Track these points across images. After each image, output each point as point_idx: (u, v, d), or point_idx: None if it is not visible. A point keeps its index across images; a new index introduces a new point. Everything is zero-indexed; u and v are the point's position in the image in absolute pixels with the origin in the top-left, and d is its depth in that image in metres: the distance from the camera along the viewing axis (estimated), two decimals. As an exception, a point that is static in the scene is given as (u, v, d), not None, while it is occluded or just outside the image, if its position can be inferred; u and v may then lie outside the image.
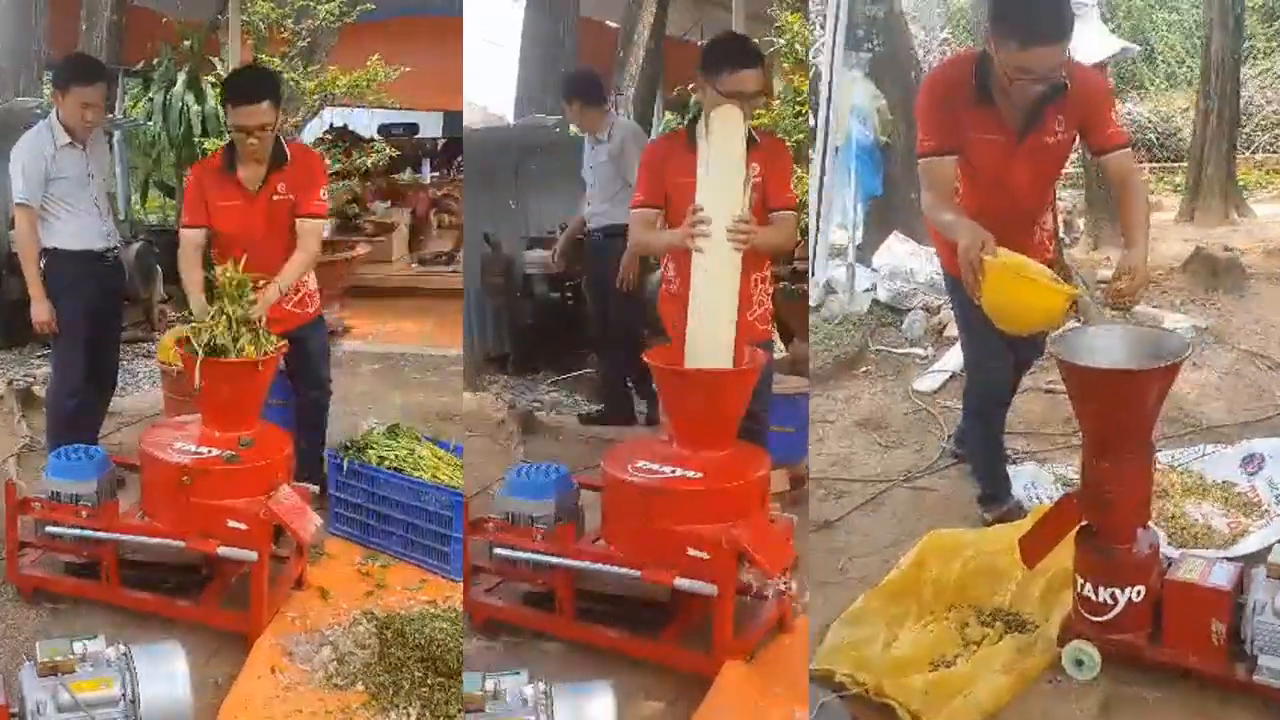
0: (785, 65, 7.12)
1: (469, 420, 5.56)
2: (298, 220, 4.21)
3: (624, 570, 3.44)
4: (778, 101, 6.88)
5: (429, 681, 3.35)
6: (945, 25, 11.52)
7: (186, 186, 4.22)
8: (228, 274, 3.84)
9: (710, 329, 3.50)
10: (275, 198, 4.17)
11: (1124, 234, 3.54)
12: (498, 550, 3.69)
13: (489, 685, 2.79)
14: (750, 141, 3.58)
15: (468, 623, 3.67)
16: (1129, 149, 3.49)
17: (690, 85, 7.85)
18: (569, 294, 6.48)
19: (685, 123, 8.66)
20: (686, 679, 3.35)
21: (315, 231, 4.27)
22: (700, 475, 3.40)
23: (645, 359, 3.57)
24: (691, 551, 3.30)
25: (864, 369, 5.62)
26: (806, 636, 3.49)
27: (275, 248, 4.18)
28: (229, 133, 4.16)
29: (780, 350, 5.78)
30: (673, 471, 3.42)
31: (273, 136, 4.12)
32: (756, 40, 6.21)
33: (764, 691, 3.27)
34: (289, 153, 4.21)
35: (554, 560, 3.57)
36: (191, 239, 4.18)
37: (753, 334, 3.70)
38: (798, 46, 6.77)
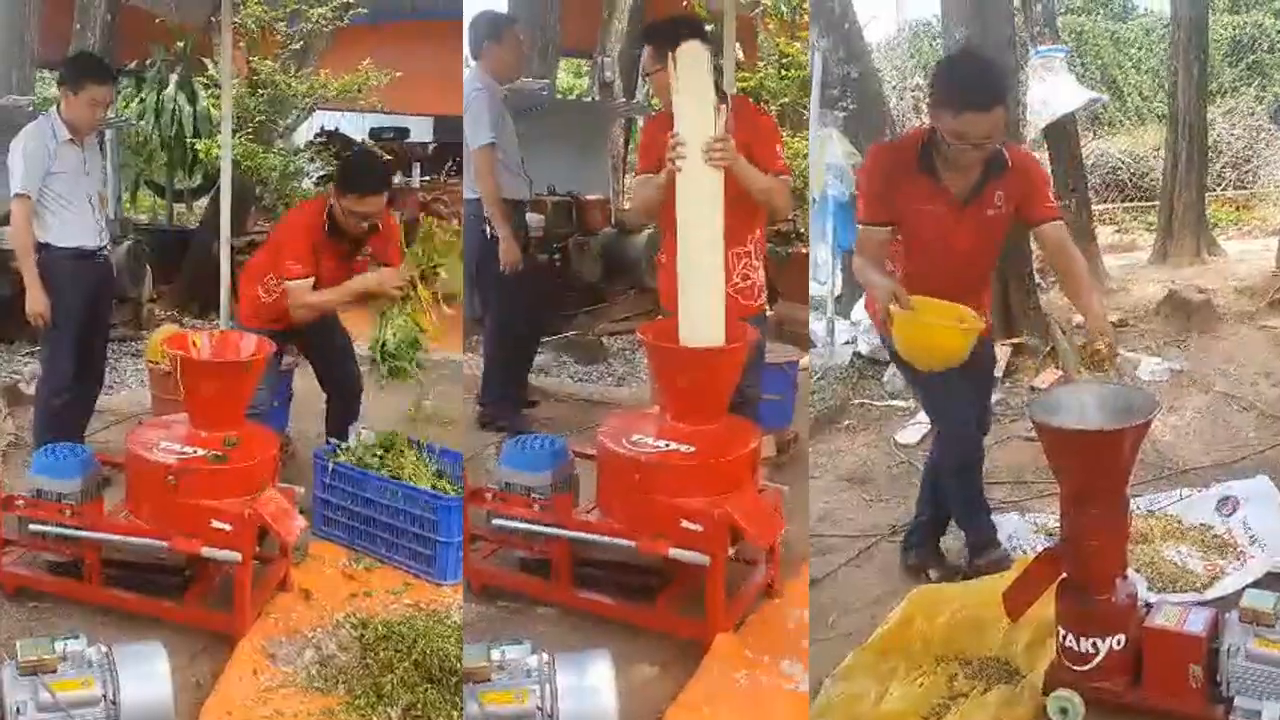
0: (771, 25, 7.12)
1: (465, 383, 5.57)
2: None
3: (619, 541, 3.55)
4: (762, 63, 6.88)
5: (411, 685, 3.34)
6: (916, 72, 11.60)
7: (297, 240, 4.40)
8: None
9: (700, 305, 3.58)
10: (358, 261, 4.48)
11: (1074, 302, 3.76)
12: (496, 520, 3.79)
13: (494, 656, 2.87)
14: (720, 97, 3.73)
15: (467, 589, 3.80)
16: (1061, 221, 3.69)
17: None
18: (557, 256, 6.44)
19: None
20: (679, 644, 3.48)
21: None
22: (693, 449, 3.51)
23: (639, 334, 3.66)
24: (685, 523, 3.42)
25: (846, 423, 5.61)
26: (799, 599, 3.64)
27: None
28: (348, 218, 4.38)
29: (766, 310, 5.81)
30: (666, 445, 3.53)
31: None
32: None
33: (754, 661, 3.39)
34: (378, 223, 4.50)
35: (551, 530, 3.68)
36: (301, 288, 4.33)
37: (737, 307, 3.80)
38: (783, 6, 6.78)
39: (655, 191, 3.77)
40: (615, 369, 6.29)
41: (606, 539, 3.61)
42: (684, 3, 7.46)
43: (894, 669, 3.47)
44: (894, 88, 9.40)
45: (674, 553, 3.43)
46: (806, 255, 6.66)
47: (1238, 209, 12.04)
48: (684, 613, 3.56)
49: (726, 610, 3.48)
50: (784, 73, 7.08)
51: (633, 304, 7.02)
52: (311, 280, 4.35)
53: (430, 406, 4.75)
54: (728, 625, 3.48)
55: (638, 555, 3.56)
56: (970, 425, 3.89)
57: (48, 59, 8.03)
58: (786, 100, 7.05)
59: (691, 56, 3.58)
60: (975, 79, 3.44)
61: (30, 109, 6.84)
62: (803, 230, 6.77)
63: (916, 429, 5.39)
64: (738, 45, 7.22)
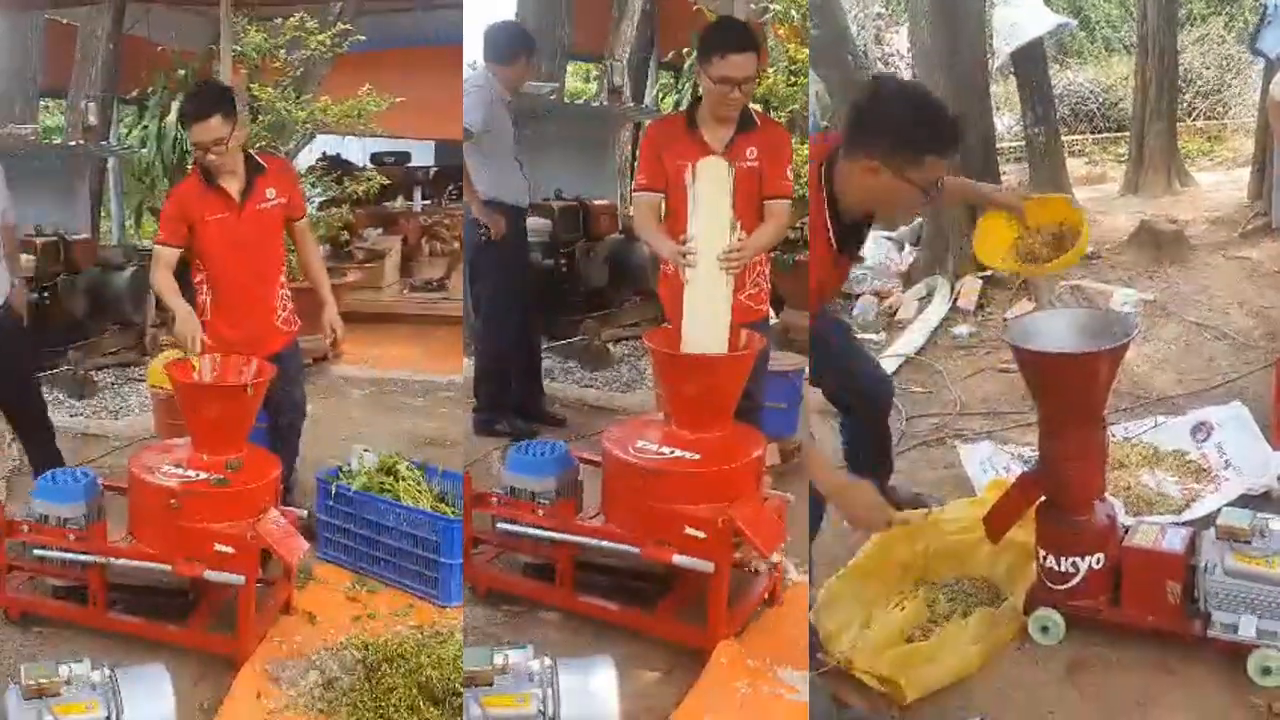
0: (781, 30, 7.13)
1: (465, 387, 5.56)
2: (296, 224, 4.29)
3: (623, 547, 3.58)
4: (772, 69, 6.90)
5: (414, 707, 3.34)
6: (875, 1, 11.53)
7: (166, 206, 4.15)
8: None
9: (706, 314, 3.61)
10: (262, 206, 4.12)
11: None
12: (500, 524, 3.83)
13: (497, 660, 2.88)
14: (749, 125, 3.85)
15: (471, 594, 3.84)
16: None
17: (685, 49, 7.90)
18: (564, 261, 6.45)
19: (679, 91, 8.75)
20: (681, 650, 3.49)
21: (311, 230, 4.36)
22: (698, 456, 3.53)
23: (644, 341, 3.72)
24: (689, 530, 3.43)
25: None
26: (802, 605, 3.64)
27: (265, 256, 4.20)
28: (191, 152, 4.12)
29: (771, 318, 5.84)
30: (671, 452, 3.55)
31: (233, 149, 4.02)
32: (755, 6, 6.24)
33: (755, 669, 3.41)
34: (263, 162, 4.17)
35: (554, 535, 3.71)
36: (165, 256, 4.01)
37: (746, 314, 3.83)
38: (793, 12, 6.80)
39: (653, 242, 3.87)
40: (621, 374, 6.29)
41: (610, 544, 3.63)
42: (694, 6, 7.49)
43: (875, 597, 3.54)
44: (854, 18, 9.28)
45: (678, 559, 3.45)
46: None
47: (1209, 139, 11.87)
48: (686, 619, 3.58)
49: (728, 618, 3.50)
50: (793, 79, 7.09)
51: (639, 310, 7.00)
52: (175, 251, 4.02)
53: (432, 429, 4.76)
54: (729, 633, 3.50)
55: (641, 561, 3.58)
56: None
57: (51, 88, 8.09)
58: (795, 107, 7.05)
59: (711, 172, 3.64)
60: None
61: (32, 137, 6.89)
62: (809, 237, 6.78)
63: (889, 362, 5.45)
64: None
